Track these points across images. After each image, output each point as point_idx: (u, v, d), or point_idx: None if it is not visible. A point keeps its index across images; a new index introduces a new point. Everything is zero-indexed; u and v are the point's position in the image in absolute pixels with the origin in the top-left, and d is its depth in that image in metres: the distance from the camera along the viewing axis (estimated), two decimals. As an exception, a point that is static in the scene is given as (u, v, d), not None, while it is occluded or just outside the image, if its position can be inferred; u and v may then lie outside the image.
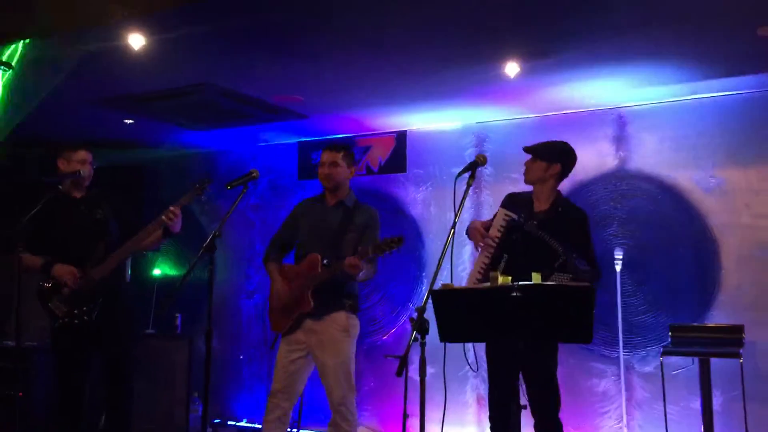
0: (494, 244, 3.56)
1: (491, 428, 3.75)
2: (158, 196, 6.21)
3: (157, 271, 6.45)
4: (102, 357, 4.09)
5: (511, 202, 3.75)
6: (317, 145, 6.03)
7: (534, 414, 3.60)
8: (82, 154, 4.09)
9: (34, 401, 5.22)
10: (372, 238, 3.76)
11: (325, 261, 3.70)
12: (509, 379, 3.60)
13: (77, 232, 4.04)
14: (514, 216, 3.55)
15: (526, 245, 3.49)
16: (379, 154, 5.78)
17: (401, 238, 3.54)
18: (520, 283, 2.72)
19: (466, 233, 3.79)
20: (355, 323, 3.82)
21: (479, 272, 3.58)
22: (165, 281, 6.39)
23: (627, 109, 4.93)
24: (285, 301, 3.81)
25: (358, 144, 5.86)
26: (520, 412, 3.47)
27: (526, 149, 3.71)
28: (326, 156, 3.87)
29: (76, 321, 3.93)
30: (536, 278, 2.83)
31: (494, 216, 3.71)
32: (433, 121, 5.50)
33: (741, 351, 4.09)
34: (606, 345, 4.82)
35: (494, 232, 3.58)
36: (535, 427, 3.62)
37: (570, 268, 3.36)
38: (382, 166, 5.77)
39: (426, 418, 3.63)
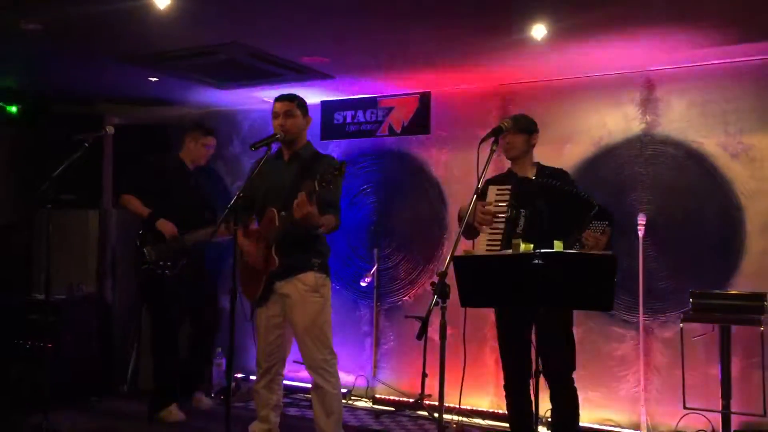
0: (500, 221, 3.52)
1: (507, 400, 3.80)
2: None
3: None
4: (185, 309, 5.10)
5: (495, 181, 3.72)
6: (341, 105, 6.02)
7: (548, 379, 3.65)
8: (210, 140, 5.20)
9: (63, 353, 5.38)
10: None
11: (282, 213, 3.57)
12: (523, 351, 3.65)
13: (187, 199, 5.02)
14: (508, 187, 3.54)
15: (547, 206, 3.47)
16: (401, 115, 5.75)
17: (343, 162, 3.39)
18: (542, 251, 2.73)
19: (475, 222, 3.63)
20: (324, 283, 3.73)
21: (488, 249, 3.55)
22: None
23: (655, 72, 4.85)
24: (253, 263, 3.74)
25: (381, 105, 5.84)
26: (537, 381, 3.53)
27: (504, 128, 3.66)
28: (280, 106, 3.76)
29: (158, 271, 4.86)
30: (558, 246, 2.84)
31: (484, 196, 3.64)
32: (458, 83, 5.45)
33: (762, 318, 4.09)
34: (627, 310, 4.84)
35: (494, 208, 3.54)
36: (551, 393, 3.68)
37: (606, 215, 3.39)
38: (404, 127, 5.75)
39: (445, 378, 3.71)
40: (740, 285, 4.52)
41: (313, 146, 3.94)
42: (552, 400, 3.69)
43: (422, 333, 2.92)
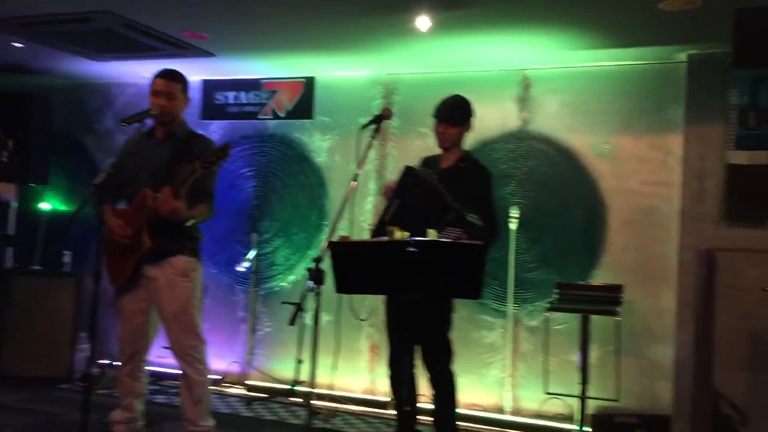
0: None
1: (391, 385, 3.85)
2: (49, 128, 5.88)
3: (45, 205, 6.15)
4: None
5: (423, 162, 3.80)
6: (223, 85, 5.85)
7: (426, 366, 3.73)
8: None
9: None
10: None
11: (157, 195, 3.37)
12: (408, 334, 3.71)
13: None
14: (410, 166, 3.57)
15: (420, 197, 3.52)
16: (285, 99, 5.67)
17: (228, 144, 3.29)
18: (416, 238, 2.77)
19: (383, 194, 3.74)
20: (195, 267, 3.58)
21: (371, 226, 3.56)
22: (54, 216, 6.10)
23: (532, 71, 5.03)
24: (122, 244, 3.51)
25: (264, 87, 5.73)
26: (413, 365, 3.60)
27: (443, 118, 3.71)
28: (162, 84, 3.56)
29: None
30: (432, 234, 2.89)
31: None
32: (343, 69, 5.43)
33: (618, 309, 4.35)
34: (497, 299, 5.01)
35: (392, 184, 3.59)
36: (430, 379, 3.76)
37: (463, 223, 3.44)
38: (288, 111, 5.67)
39: (320, 364, 3.71)
40: (601, 277, 4.79)
41: (188, 125, 3.79)
42: (431, 386, 3.77)
43: (294, 318, 2.90)
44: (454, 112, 3.75)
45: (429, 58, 4.99)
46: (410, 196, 3.51)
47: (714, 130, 4.42)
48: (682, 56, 4.56)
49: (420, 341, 3.70)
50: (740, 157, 4.13)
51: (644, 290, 4.68)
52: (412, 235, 2.88)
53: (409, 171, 3.57)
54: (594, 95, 4.89)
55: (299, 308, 2.90)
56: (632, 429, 4.26)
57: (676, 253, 4.58)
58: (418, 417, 3.91)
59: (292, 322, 2.89)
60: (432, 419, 3.88)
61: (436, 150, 3.87)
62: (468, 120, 3.79)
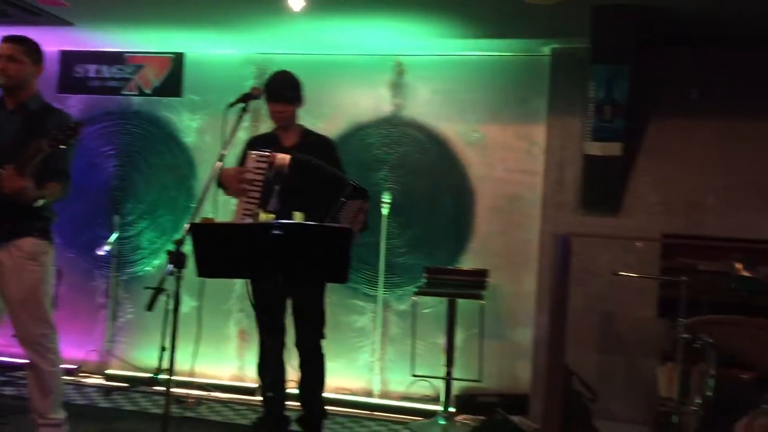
0: (256, 188, 3.47)
1: (259, 371, 3.78)
2: None
3: None
4: None
5: (256, 144, 3.70)
6: (83, 57, 5.50)
7: (298, 349, 3.70)
8: None
9: None
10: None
11: (1, 171, 3.13)
12: (278, 319, 3.66)
13: None
14: (267, 152, 3.50)
15: (303, 179, 3.46)
16: (152, 75, 5.41)
17: (80, 123, 3.12)
18: (280, 221, 2.71)
19: (219, 183, 3.62)
20: (46, 250, 3.37)
21: (242, 217, 3.48)
22: None
23: (405, 58, 5.07)
24: None
25: (129, 61, 5.44)
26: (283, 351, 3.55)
27: (280, 97, 3.66)
28: (5, 48, 3.34)
29: None
30: (298, 217, 2.84)
31: (243, 160, 3.63)
32: (214, 47, 5.25)
33: (483, 293, 4.49)
34: (368, 284, 5.04)
35: (251, 175, 3.48)
36: (300, 362, 3.72)
37: (362, 193, 3.44)
38: (155, 88, 5.42)
39: (185, 351, 3.58)
40: (469, 262, 4.92)
41: (43, 98, 3.52)
42: (301, 369, 3.74)
43: (152, 303, 2.78)
44: (290, 90, 3.73)
45: (303, 39, 4.91)
46: (292, 180, 3.42)
47: (574, 121, 4.63)
48: (546, 50, 4.75)
49: (295, 318, 3.67)
50: (596, 148, 4.35)
51: (508, 274, 4.86)
52: (278, 219, 2.83)
53: (269, 162, 3.48)
54: (464, 84, 4.99)
55: (157, 292, 2.77)
56: (493, 408, 4.41)
57: (538, 238, 4.78)
58: (285, 403, 3.89)
59: (149, 308, 2.76)
60: (300, 404, 3.86)
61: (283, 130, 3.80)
62: (302, 96, 3.79)
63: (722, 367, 3.34)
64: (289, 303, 3.73)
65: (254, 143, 3.76)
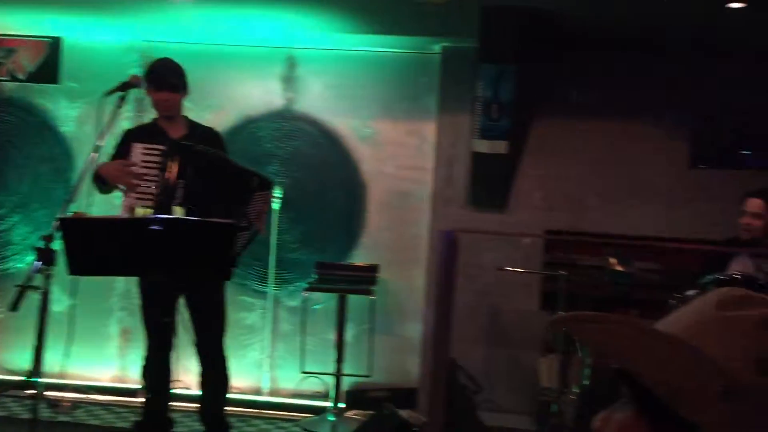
0: (149, 183, 3.30)
1: (145, 372, 3.61)
2: None
3: None
4: None
5: (139, 136, 3.53)
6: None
7: (198, 351, 3.57)
8: None
9: None
10: None
11: None
12: (166, 318, 3.48)
13: None
14: (161, 147, 3.35)
15: (206, 173, 3.33)
16: (26, 60, 5.08)
17: None
18: (159, 216, 2.61)
19: (96, 177, 3.40)
20: None
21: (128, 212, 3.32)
22: None
23: (298, 50, 5.00)
24: None
25: (0, 45, 5.09)
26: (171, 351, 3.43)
27: (167, 85, 3.52)
28: None
29: None
30: (179, 212, 2.74)
31: (125, 152, 3.45)
32: (95, 32, 4.99)
33: (374, 289, 4.51)
34: (258, 280, 4.95)
35: (141, 170, 3.31)
36: (201, 365, 3.59)
37: (268, 184, 3.36)
38: (30, 74, 5.09)
39: (58, 352, 3.39)
40: (360, 257, 4.92)
41: None
42: (202, 376, 3.61)
43: (17, 303, 2.60)
44: (175, 77, 3.58)
45: (191, 28, 4.75)
46: (195, 175, 3.28)
47: (463, 119, 4.72)
48: (437, 48, 4.81)
49: (193, 324, 3.54)
50: (483, 146, 4.46)
51: (398, 270, 4.89)
52: (201, 216, 2.71)
53: (183, 148, 3.32)
54: (357, 80, 4.98)
55: (23, 291, 2.60)
56: (382, 402, 4.43)
57: (427, 234, 4.84)
58: (170, 404, 3.75)
59: (13, 307, 2.58)
60: (200, 414, 3.72)
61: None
62: (187, 84, 3.65)
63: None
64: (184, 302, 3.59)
65: (136, 134, 3.58)
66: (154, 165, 3.31)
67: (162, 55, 5.02)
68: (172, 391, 3.75)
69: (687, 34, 4.32)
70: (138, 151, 3.35)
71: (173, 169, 3.28)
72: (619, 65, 4.65)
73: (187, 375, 4.32)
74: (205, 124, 3.80)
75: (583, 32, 4.45)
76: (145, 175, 3.30)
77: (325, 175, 5.00)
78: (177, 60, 4.98)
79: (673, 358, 0.74)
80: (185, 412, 4.20)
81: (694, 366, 0.73)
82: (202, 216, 2.97)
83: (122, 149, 3.49)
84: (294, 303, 4.94)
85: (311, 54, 5.00)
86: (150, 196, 3.27)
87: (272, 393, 4.87)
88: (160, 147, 3.33)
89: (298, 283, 4.94)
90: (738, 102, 4.52)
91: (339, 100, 5.00)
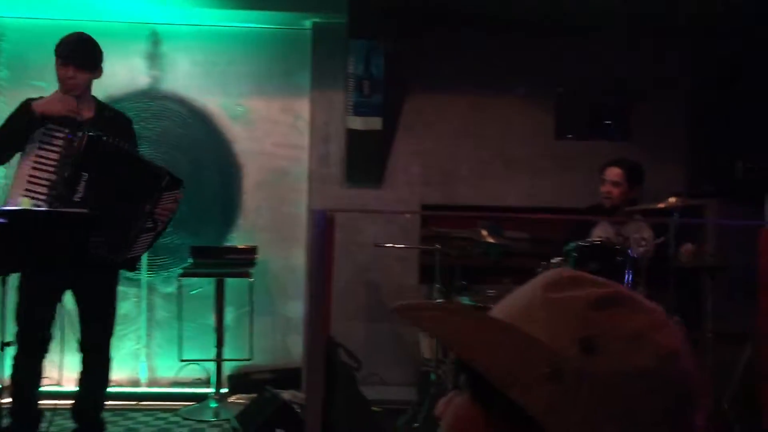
0: (48, 168, 3.01)
1: (16, 369, 3.35)
2: None
3: None
4: None
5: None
6: None
7: (82, 348, 3.37)
8: None
9: None
10: None
11: None
12: (42, 314, 3.24)
13: None
14: (63, 130, 3.08)
15: (114, 167, 3.11)
16: None
17: None
18: (6, 208, 2.43)
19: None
20: None
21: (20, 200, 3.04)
22: None
23: (161, 26, 4.78)
24: None
25: None
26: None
27: (75, 60, 3.23)
28: None
29: None
30: (26, 203, 2.56)
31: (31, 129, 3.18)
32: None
33: (251, 271, 4.43)
34: (130, 267, 4.74)
35: (40, 152, 3.03)
36: (85, 363, 3.40)
37: (178, 182, 3.19)
38: None
39: None
40: (238, 239, 4.82)
41: None
42: (83, 374, 3.41)
43: None
44: (89, 55, 3.29)
45: (45, 2, 4.43)
46: (102, 168, 3.04)
47: (337, 96, 4.68)
48: (308, 23, 4.73)
49: (80, 319, 3.34)
50: (357, 123, 4.45)
51: (278, 249, 4.84)
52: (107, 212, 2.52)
53: (94, 140, 3.06)
54: (226, 56, 4.83)
55: None
56: (265, 384, 4.39)
57: (306, 213, 4.80)
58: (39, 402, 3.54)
59: None
60: (75, 411, 3.53)
61: None
62: (100, 65, 3.39)
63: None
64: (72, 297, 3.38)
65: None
66: (55, 150, 3.04)
67: (12, 32, 4.70)
68: (42, 389, 3.55)
69: (551, 9, 4.47)
70: (39, 131, 3.05)
71: (77, 158, 3.02)
72: (488, 40, 4.75)
73: (62, 371, 4.09)
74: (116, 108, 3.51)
75: (453, 8, 4.51)
76: (46, 159, 3.01)
77: (197, 156, 4.84)
78: (32, 36, 4.67)
79: (502, 343, 0.74)
80: (56, 410, 3.99)
81: (522, 350, 0.73)
82: (104, 215, 2.79)
83: (20, 121, 3.13)
84: (170, 289, 4.78)
85: (176, 30, 4.80)
86: (44, 188, 2.99)
87: (150, 383, 4.71)
88: (64, 130, 3.06)
89: (173, 269, 4.78)
90: (598, 75, 4.75)
91: (208, 77, 4.83)
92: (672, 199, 3.26)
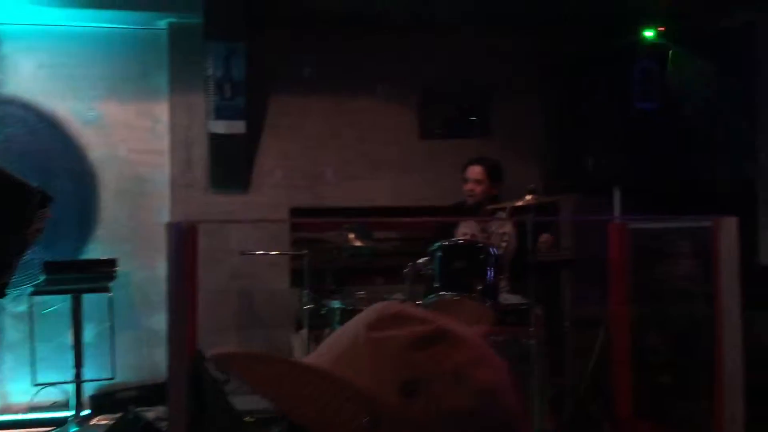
0: None
1: None
2: None
3: None
4: None
5: None
6: None
7: None
8: None
9: None
10: None
11: None
12: None
13: None
14: None
15: None
16: None
17: None
18: None
19: None
20: None
21: None
22: None
23: (1, 26, 4.44)
24: None
25: None
26: None
27: None
28: None
29: None
30: None
31: None
32: None
33: (111, 285, 4.20)
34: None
35: None
36: None
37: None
38: None
39: None
40: (97, 252, 4.56)
41: None
42: None
43: None
44: None
45: None
46: None
47: (198, 99, 4.53)
48: (163, 24, 4.54)
49: None
50: (219, 127, 4.32)
51: (140, 260, 4.62)
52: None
53: None
54: (76, 58, 4.55)
55: None
56: (132, 402, 4.18)
57: (169, 221, 4.61)
58: None
59: None
60: None
61: None
62: None
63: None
64: None
65: None
66: None
67: None
68: None
69: (406, 13, 4.52)
70: None
71: None
72: (350, 40, 4.74)
73: None
74: None
75: (313, 8, 4.46)
76: None
77: (47, 165, 4.53)
78: None
79: (322, 394, 0.72)
80: None
81: (341, 400, 0.71)
82: None
83: None
84: (21, 309, 4.45)
85: (18, 30, 4.46)
86: None
87: (4, 410, 4.37)
88: None
89: (23, 287, 4.45)
90: (459, 74, 4.85)
91: (56, 81, 4.53)
92: (528, 197, 3.38)
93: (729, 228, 2.89)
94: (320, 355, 0.79)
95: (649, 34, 4.31)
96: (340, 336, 0.81)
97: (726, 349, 2.88)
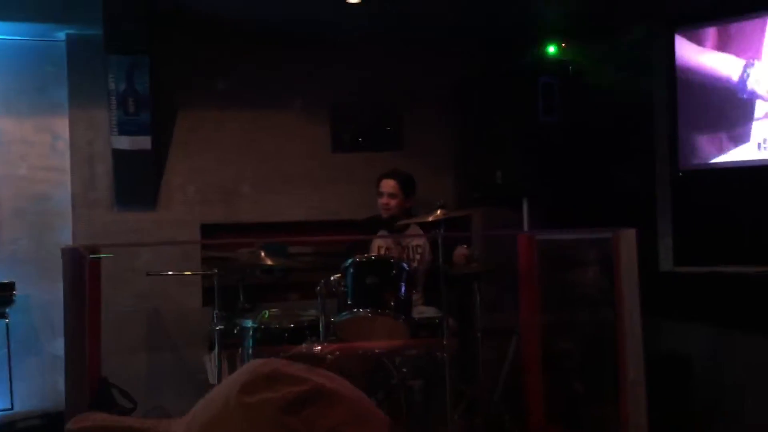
0: None
1: None
2: None
3: None
4: None
5: None
6: None
7: None
8: None
9: None
10: None
11: None
12: None
13: None
14: None
15: None
16: None
17: None
18: None
19: None
20: None
21: None
22: None
23: None
24: None
25: None
26: None
27: None
28: None
29: None
30: None
31: None
32: None
33: (8, 310, 4.00)
34: None
35: None
36: None
37: None
38: None
39: None
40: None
41: None
42: None
43: None
44: None
45: None
46: None
47: (100, 114, 4.36)
48: (62, 35, 4.35)
49: None
50: (124, 142, 4.18)
51: (42, 283, 4.39)
52: None
53: None
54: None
55: None
56: (33, 432, 3.99)
57: (71, 240, 4.42)
58: None
59: None
60: None
61: None
62: None
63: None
64: None
65: None
66: None
67: None
68: None
69: (317, 27, 4.50)
70: None
71: None
72: (262, 53, 4.67)
73: None
74: None
75: (221, 20, 4.38)
76: None
77: (-65, 184, 4.27)
78: None
79: None
80: None
81: None
82: None
83: None
84: None
85: None
86: None
87: None
88: None
89: None
90: (371, 87, 4.85)
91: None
92: (438, 212, 3.39)
93: (628, 240, 2.99)
94: (189, 422, 0.76)
95: (551, 49, 4.44)
96: (210, 400, 0.78)
97: (628, 357, 2.97)
